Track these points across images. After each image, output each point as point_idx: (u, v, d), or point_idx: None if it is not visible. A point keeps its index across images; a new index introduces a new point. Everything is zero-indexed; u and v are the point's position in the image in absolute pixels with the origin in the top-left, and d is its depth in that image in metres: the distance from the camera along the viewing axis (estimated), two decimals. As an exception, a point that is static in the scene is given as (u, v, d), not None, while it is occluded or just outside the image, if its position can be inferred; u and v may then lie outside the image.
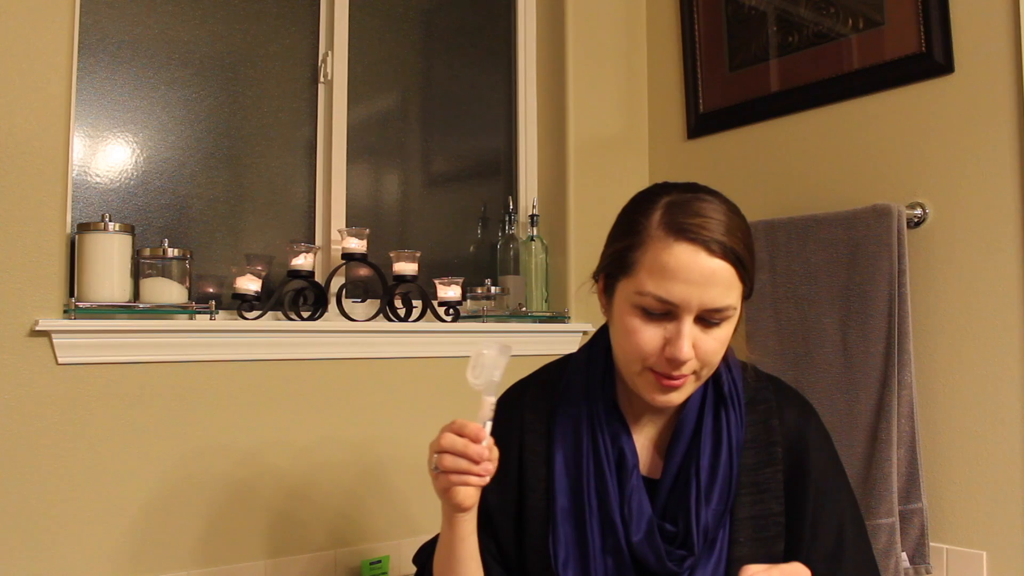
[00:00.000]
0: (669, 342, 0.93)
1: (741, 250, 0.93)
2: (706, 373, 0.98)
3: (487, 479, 0.93)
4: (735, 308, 0.94)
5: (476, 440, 0.91)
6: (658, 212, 0.94)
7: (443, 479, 0.93)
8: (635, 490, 1.01)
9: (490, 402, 0.94)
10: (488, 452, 0.92)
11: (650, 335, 0.94)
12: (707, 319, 0.93)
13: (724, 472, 1.00)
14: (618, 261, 0.97)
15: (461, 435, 0.92)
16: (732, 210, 0.96)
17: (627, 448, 1.03)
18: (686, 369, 0.94)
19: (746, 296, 0.97)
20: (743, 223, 0.96)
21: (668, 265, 0.91)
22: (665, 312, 0.93)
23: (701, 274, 0.90)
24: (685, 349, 0.92)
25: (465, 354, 0.97)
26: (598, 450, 1.03)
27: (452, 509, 0.97)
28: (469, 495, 0.95)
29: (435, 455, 0.93)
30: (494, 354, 0.93)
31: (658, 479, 1.04)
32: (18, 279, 1.38)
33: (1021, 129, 1.55)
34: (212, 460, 1.56)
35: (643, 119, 2.30)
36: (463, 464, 0.92)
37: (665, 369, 0.94)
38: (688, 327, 0.92)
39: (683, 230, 0.91)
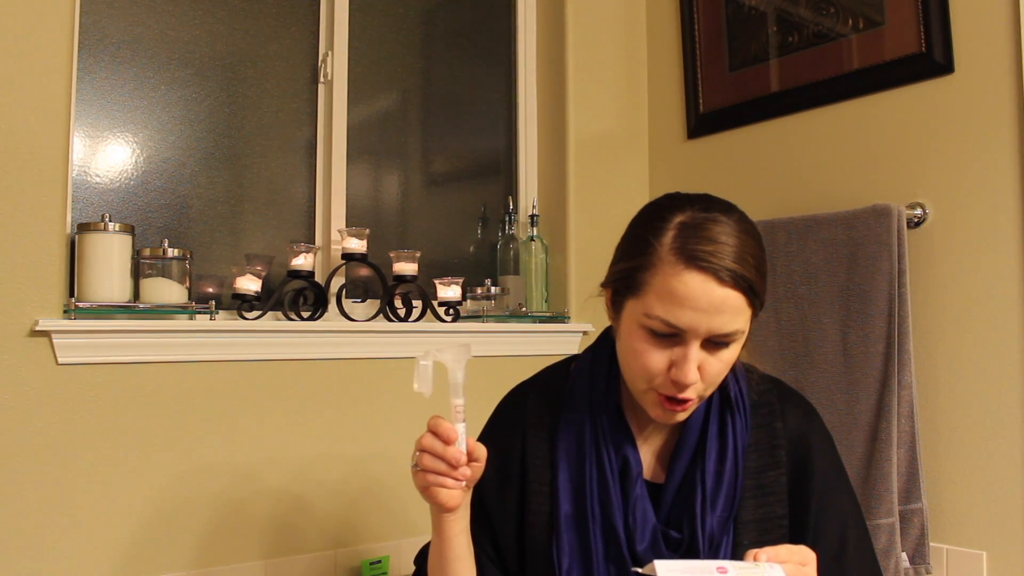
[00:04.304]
0: (675, 365, 0.93)
1: (752, 276, 0.91)
2: (709, 392, 0.98)
3: (464, 484, 0.94)
4: (743, 332, 0.94)
5: (447, 441, 0.93)
6: (670, 234, 0.92)
7: (421, 477, 0.95)
8: (639, 499, 1.01)
9: (457, 404, 0.95)
10: (464, 457, 0.93)
11: (656, 357, 0.94)
12: (714, 342, 0.93)
13: (730, 478, 1.00)
14: (627, 279, 0.96)
15: (438, 436, 0.93)
16: (745, 231, 0.94)
17: (631, 457, 1.03)
18: (691, 392, 0.95)
19: (755, 316, 0.96)
20: (756, 244, 0.94)
21: (677, 292, 0.90)
22: (672, 335, 0.92)
23: (710, 303, 0.90)
24: (691, 374, 0.92)
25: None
26: (601, 459, 1.03)
27: (436, 508, 0.98)
28: (452, 497, 0.95)
29: (416, 452, 0.95)
30: (450, 357, 0.94)
31: (663, 484, 1.03)
32: (18, 279, 1.38)
33: (1021, 129, 1.55)
34: (212, 460, 1.56)
35: (643, 119, 2.29)
36: (441, 467, 0.93)
37: (670, 391, 0.95)
38: (695, 352, 0.92)
39: (694, 257, 0.90)
